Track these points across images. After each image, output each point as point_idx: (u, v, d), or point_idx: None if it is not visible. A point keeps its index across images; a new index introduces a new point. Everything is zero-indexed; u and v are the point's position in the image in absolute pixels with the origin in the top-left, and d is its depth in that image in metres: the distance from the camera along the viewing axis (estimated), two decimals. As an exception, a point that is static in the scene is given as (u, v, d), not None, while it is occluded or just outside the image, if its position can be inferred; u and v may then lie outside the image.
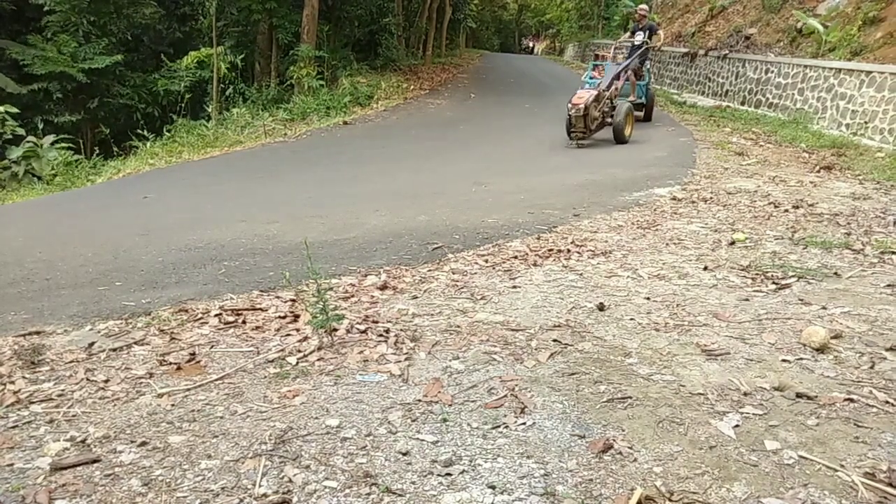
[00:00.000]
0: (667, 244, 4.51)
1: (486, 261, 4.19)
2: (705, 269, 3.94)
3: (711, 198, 5.92)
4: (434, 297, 3.51)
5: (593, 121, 9.47)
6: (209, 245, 4.72)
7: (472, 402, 2.31)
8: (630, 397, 2.34)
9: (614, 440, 2.06)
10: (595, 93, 9.53)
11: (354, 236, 4.88)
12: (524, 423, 2.16)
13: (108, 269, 4.15)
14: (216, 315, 3.20)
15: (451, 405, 2.28)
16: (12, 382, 2.46)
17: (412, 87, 17.72)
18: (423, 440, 2.05)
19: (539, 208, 5.67)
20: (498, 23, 43.23)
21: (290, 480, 1.83)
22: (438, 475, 1.88)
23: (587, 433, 2.11)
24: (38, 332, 3.04)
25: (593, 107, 9.44)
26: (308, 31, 15.25)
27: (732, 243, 4.49)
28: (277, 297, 3.50)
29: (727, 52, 14.03)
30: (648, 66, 11.52)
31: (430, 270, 4.01)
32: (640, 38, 11.08)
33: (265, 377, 2.53)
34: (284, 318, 3.17)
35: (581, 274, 3.86)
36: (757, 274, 3.83)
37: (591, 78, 11.43)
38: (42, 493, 1.75)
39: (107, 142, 13.88)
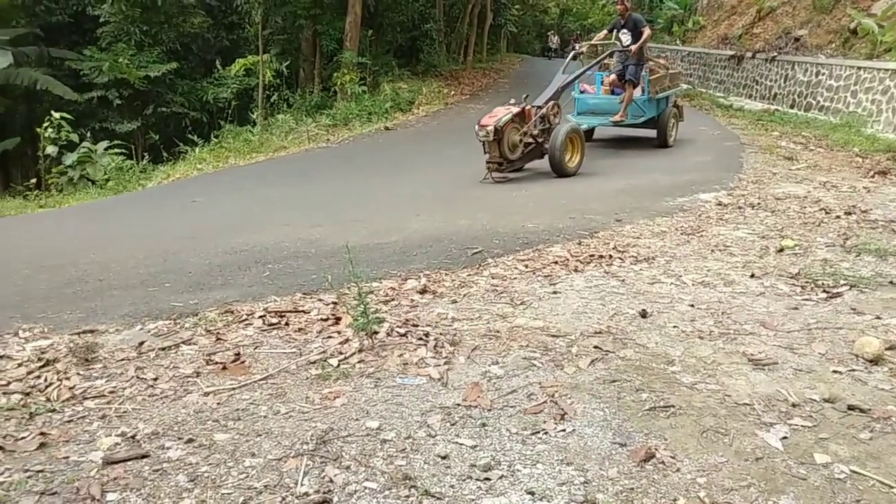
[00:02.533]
0: (712, 251, 4.41)
1: (527, 266, 4.17)
2: (752, 276, 3.84)
3: (759, 203, 5.77)
4: (473, 301, 3.51)
5: (513, 147, 7.45)
6: (254, 248, 4.82)
7: (512, 407, 2.31)
8: (673, 406, 2.30)
9: (656, 449, 2.03)
10: (516, 110, 7.51)
11: (395, 240, 4.92)
12: (564, 430, 2.14)
13: (157, 271, 4.27)
14: (260, 316, 3.27)
15: (490, 410, 2.28)
16: (67, 378, 2.56)
17: (453, 92, 17.78)
18: (462, 444, 2.05)
19: (580, 213, 5.62)
20: (539, 27, 43.04)
21: (331, 480, 1.85)
22: (477, 479, 1.87)
23: (628, 441, 2.08)
24: (91, 331, 3.15)
25: (512, 129, 7.40)
26: (351, 38, 15.47)
27: (781, 250, 4.37)
28: (320, 300, 3.55)
29: (776, 54, 13.67)
30: (646, 75, 9.04)
31: (469, 275, 4.02)
32: (626, 38, 8.83)
33: (307, 378, 2.57)
34: (326, 320, 3.22)
35: (623, 280, 3.81)
36: (807, 282, 3.72)
37: (580, 92, 9.56)
38: (95, 486, 1.81)
39: (157, 147, 14.34)
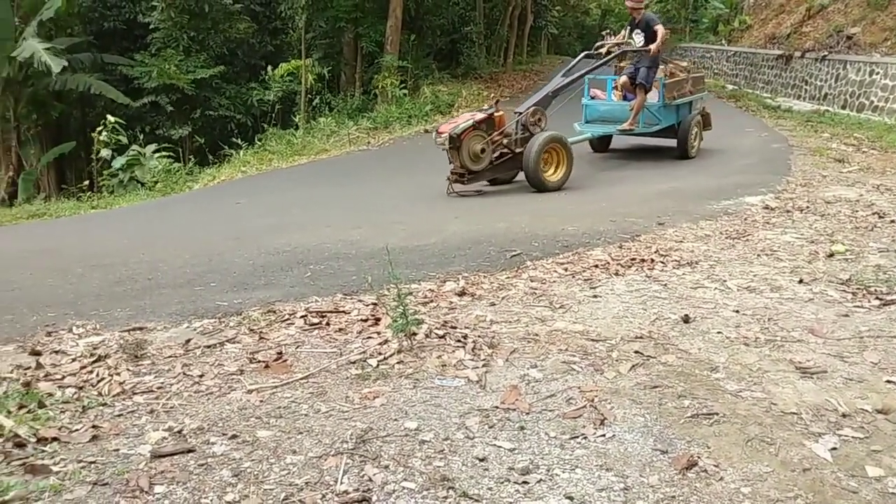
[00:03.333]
0: (758, 255, 4.31)
1: (566, 269, 4.14)
2: (800, 282, 3.73)
3: (808, 207, 5.61)
4: (512, 304, 3.51)
5: (475, 157, 6.83)
6: (296, 249, 4.90)
7: (550, 411, 2.29)
8: (716, 413, 2.26)
9: (699, 457, 1.99)
10: (479, 116, 6.96)
11: (434, 242, 4.94)
12: (604, 435, 2.12)
13: (203, 271, 4.39)
14: (302, 316, 3.33)
15: (528, 413, 2.27)
16: (118, 374, 2.65)
17: (493, 94, 17.74)
18: (500, 447, 2.05)
19: (621, 216, 5.55)
20: (580, 28, 42.61)
21: (370, 479, 1.88)
22: (515, 483, 1.87)
23: (670, 448, 2.04)
24: (140, 328, 3.25)
25: (474, 137, 6.81)
26: (392, 42, 15.62)
27: (831, 255, 4.24)
28: (360, 301, 3.59)
29: (826, 53, 13.26)
30: (661, 79, 8.35)
31: (508, 278, 4.01)
32: (639, 39, 8.14)
33: (347, 378, 2.60)
34: (366, 321, 3.25)
35: (665, 284, 3.75)
36: (858, 288, 3.59)
37: (591, 98, 8.77)
38: (143, 479, 1.87)
39: (203, 150, 14.71)
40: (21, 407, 2.34)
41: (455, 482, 1.86)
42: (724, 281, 3.78)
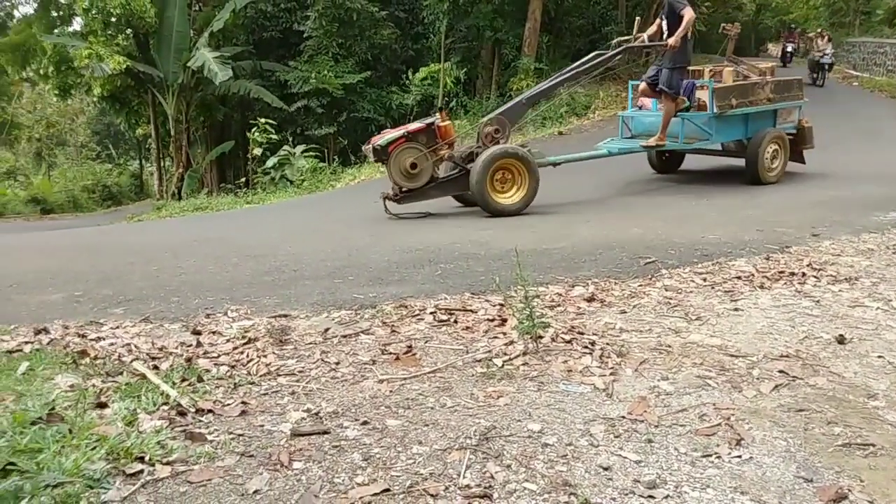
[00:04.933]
0: (932, 274, 3.84)
1: (705, 279, 3.93)
2: None
3: None
4: (644, 313, 3.39)
5: (406, 173, 6.22)
6: (428, 248, 5.06)
7: (681, 426, 2.20)
8: (873, 444, 2.05)
9: (850, 490, 1.82)
10: (414, 126, 6.36)
11: (563, 246, 4.89)
12: (739, 456, 2.00)
13: (342, 265, 4.65)
14: (431, 313, 3.43)
15: (657, 426, 2.19)
16: (265, 356, 2.88)
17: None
18: (625, 457, 2.00)
19: (770, 225, 5.17)
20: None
21: (492, 477, 1.90)
22: (640, 496, 1.82)
23: (815, 477, 1.88)
24: (285, 316, 3.51)
25: (407, 150, 6.17)
26: (529, 44, 15.62)
27: None
28: (487, 301, 3.64)
29: None
30: (710, 83, 6.97)
31: (640, 285, 3.88)
32: (666, 29, 6.86)
33: (472, 375, 2.65)
34: (493, 321, 3.29)
35: (818, 301, 3.45)
36: None
37: (638, 108, 7.77)
38: (284, 454, 2.03)
39: (345, 151, 15.55)
40: (183, 380, 2.61)
41: (577, 488, 1.84)
42: (890, 300, 3.41)
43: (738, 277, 3.92)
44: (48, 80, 17.08)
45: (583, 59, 7.18)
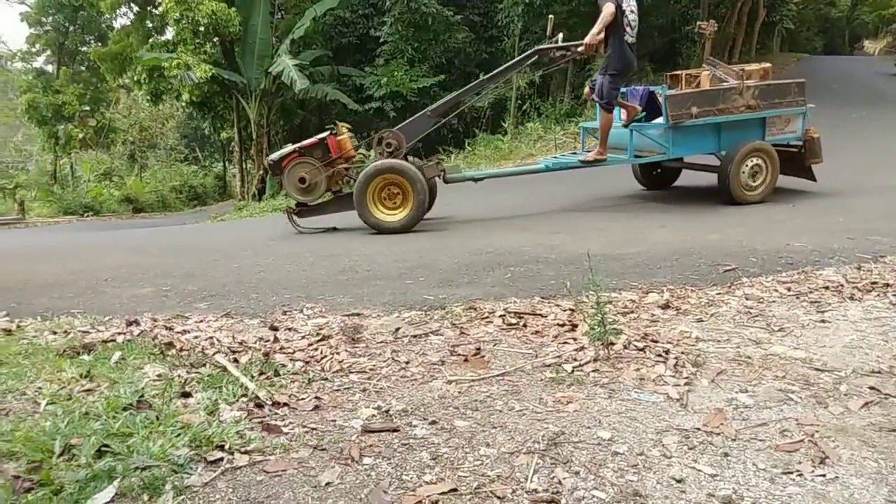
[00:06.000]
0: None
1: (789, 289, 3.75)
2: None
3: None
4: (722, 322, 3.27)
5: (299, 189, 6.30)
6: (497, 251, 5.05)
7: (760, 440, 2.11)
8: (975, 471, 1.90)
9: (948, 519, 1.69)
10: (308, 142, 6.37)
11: (637, 252, 4.77)
12: (823, 475, 1.89)
13: (413, 266, 4.71)
14: (500, 316, 3.43)
15: (734, 440, 2.11)
16: (338, 353, 2.96)
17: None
18: (699, 470, 1.94)
19: (861, 234, 4.88)
20: (822, 22, 37.89)
21: (560, 482, 1.88)
22: (715, 511, 1.75)
23: (909, 503, 1.77)
24: (358, 314, 3.60)
25: (300, 165, 6.22)
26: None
27: None
28: (557, 305, 3.60)
29: None
30: (651, 91, 6.66)
31: (719, 293, 3.74)
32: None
33: (541, 380, 2.63)
34: (562, 325, 3.26)
35: (915, 314, 3.23)
36: None
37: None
38: (355, 449, 2.08)
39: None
40: (261, 373, 2.72)
41: (648, 499, 1.80)
42: None
43: (826, 287, 3.72)
44: (141, 87, 18.14)
45: (500, 68, 6.87)
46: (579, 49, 6.31)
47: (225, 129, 21.34)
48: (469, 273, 4.45)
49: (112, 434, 2.11)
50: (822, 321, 3.20)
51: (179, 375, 2.68)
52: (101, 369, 2.74)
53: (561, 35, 6.54)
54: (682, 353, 2.83)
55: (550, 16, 6.90)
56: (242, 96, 17.80)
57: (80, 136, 22.57)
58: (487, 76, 6.79)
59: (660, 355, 2.81)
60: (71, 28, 23.79)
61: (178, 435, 2.11)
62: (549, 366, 2.76)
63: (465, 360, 2.85)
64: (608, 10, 5.99)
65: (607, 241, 5.21)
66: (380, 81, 17.03)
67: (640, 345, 2.92)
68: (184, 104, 19.39)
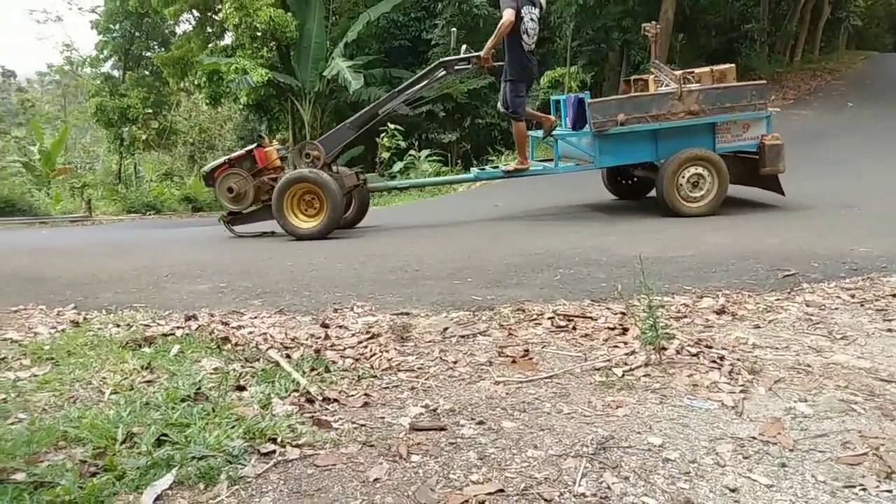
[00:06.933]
0: None
1: (853, 296, 3.60)
2: None
3: None
4: (781, 329, 3.16)
5: (228, 198, 6.62)
6: (546, 252, 5.02)
7: (820, 452, 2.03)
8: None
9: None
10: (236, 154, 6.77)
11: (691, 255, 4.66)
12: (889, 491, 1.81)
13: (461, 266, 4.72)
14: (549, 318, 3.40)
15: (792, 450, 2.04)
16: (387, 351, 3.00)
17: (773, 96, 16.04)
18: (755, 480, 1.88)
19: (933, 239, 4.64)
20: (894, 18, 36.14)
21: (609, 487, 1.86)
22: (771, 523, 1.70)
23: (983, 523, 1.67)
24: (407, 313, 3.63)
25: (229, 176, 6.56)
26: (660, 44, 15.00)
27: None
28: (608, 308, 3.55)
29: None
30: (587, 95, 6.54)
31: (777, 299, 3.62)
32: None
33: (590, 383, 2.60)
34: (613, 329, 3.21)
35: None
36: None
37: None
38: (403, 447, 2.10)
39: (467, 155, 15.78)
40: (312, 370, 2.78)
41: (700, 508, 1.76)
42: None
43: (894, 295, 3.56)
44: (201, 91, 18.73)
45: (409, 80, 6.98)
46: (475, 61, 6.44)
47: (280, 131, 21.82)
48: (517, 274, 4.43)
49: (171, 424, 2.20)
50: (889, 330, 3.06)
51: (234, 369, 2.76)
52: (160, 361, 2.85)
53: (465, 46, 6.76)
54: (738, 359, 2.75)
55: (454, 29, 7.27)
56: (297, 99, 18.17)
57: (144, 137, 23.43)
58: (397, 89, 6.99)
59: (714, 361, 2.73)
60: (136, 34, 24.75)
61: (233, 427, 2.18)
62: (598, 369, 2.73)
63: (513, 362, 2.84)
64: (506, 17, 6.01)
65: (660, 244, 5.11)
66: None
67: (694, 350, 2.85)
68: (241, 107, 19.92)
